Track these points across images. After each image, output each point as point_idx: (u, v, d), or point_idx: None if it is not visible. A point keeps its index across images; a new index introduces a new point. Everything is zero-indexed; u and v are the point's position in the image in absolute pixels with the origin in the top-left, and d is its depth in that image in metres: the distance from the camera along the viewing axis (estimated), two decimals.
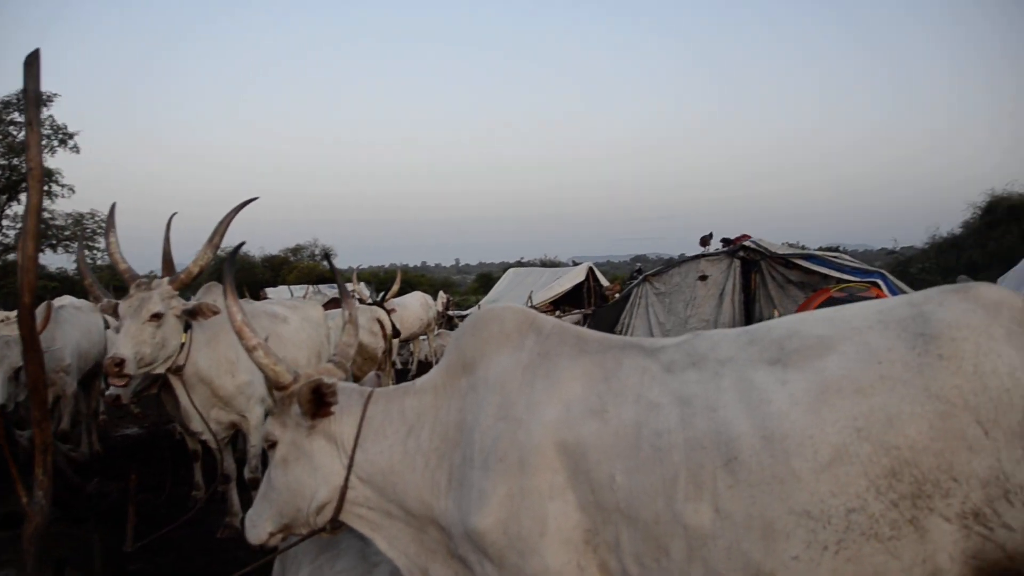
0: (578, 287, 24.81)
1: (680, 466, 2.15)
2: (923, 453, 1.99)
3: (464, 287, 46.86)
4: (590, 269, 25.69)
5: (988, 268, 24.05)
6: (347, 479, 2.66)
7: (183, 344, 5.34)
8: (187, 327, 5.36)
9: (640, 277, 14.12)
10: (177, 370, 5.42)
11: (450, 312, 22.59)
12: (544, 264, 41.11)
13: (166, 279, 5.24)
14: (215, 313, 5.23)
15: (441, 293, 22.83)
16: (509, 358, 2.54)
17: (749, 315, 12.59)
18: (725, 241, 13.18)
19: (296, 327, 6.59)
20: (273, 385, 2.80)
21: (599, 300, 23.22)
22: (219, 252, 5.46)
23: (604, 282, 25.68)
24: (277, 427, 2.77)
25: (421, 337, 16.00)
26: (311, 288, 21.39)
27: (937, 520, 1.98)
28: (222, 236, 5.21)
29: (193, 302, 5.37)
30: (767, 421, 2.09)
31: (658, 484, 2.16)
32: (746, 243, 12.64)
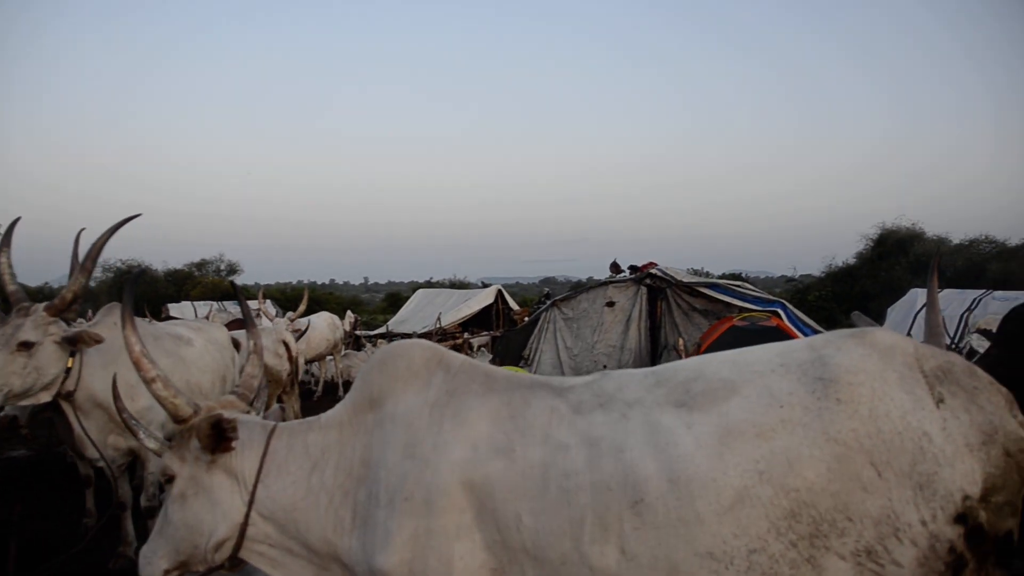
0: (487, 309, 24.86)
1: (587, 508, 2.17)
2: (821, 494, 2.06)
3: (373, 306, 46.33)
4: (499, 291, 25.77)
5: (879, 297, 25.11)
6: (247, 516, 2.60)
7: (69, 369, 5.12)
8: (75, 351, 5.13)
9: (548, 302, 14.24)
10: (67, 395, 5.19)
11: (358, 332, 22.33)
12: (453, 285, 41.04)
13: (43, 305, 5.01)
14: (98, 341, 5.02)
15: (349, 313, 22.55)
16: (417, 395, 2.53)
17: (655, 342, 12.82)
18: (632, 268, 13.41)
19: (201, 350, 6.39)
20: (172, 418, 2.72)
21: (508, 323, 23.32)
22: (109, 272, 5.26)
23: (513, 305, 25.81)
24: (175, 461, 2.69)
25: (328, 358, 15.75)
26: (215, 305, 20.83)
27: (833, 558, 2.06)
28: (95, 260, 5.03)
29: (75, 329, 5.14)
30: (673, 464, 2.14)
31: (565, 525, 2.18)
32: (653, 271, 12.89)
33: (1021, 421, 2.23)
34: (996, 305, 12.36)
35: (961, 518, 2.08)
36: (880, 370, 2.18)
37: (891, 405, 2.12)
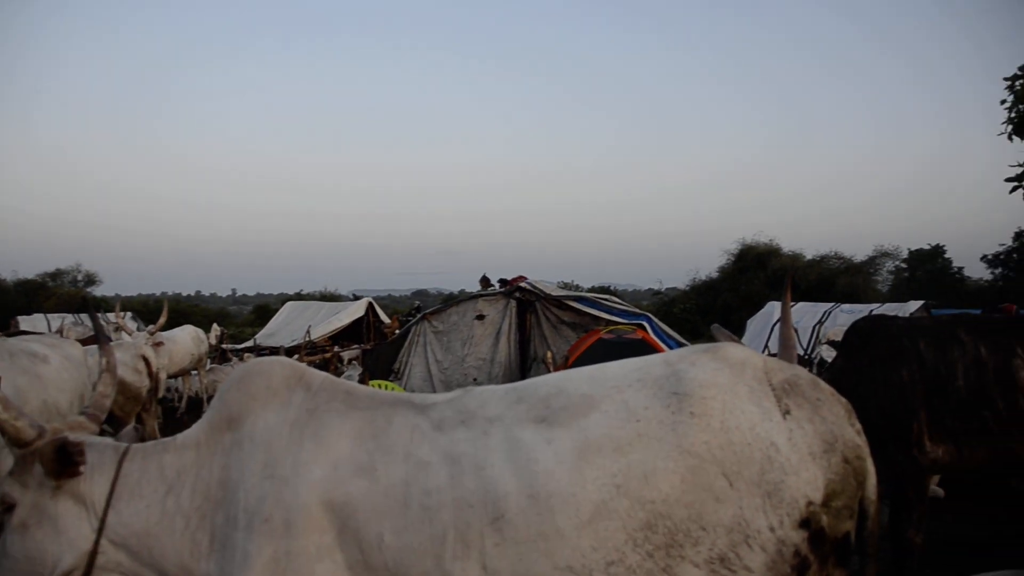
0: (357, 322, 24.53)
1: (449, 525, 2.18)
2: (676, 505, 2.14)
3: (240, 319, 44.94)
4: (370, 304, 25.50)
5: (740, 310, 26.25)
6: (97, 543, 2.47)
7: None
8: None
9: (419, 315, 14.20)
10: None
11: (224, 346, 21.58)
12: (324, 297, 40.28)
13: None
14: None
15: (215, 326, 21.78)
16: (276, 414, 2.48)
17: (524, 354, 12.97)
18: (502, 282, 13.54)
19: (58, 367, 6.05)
20: (12, 443, 2.55)
21: (378, 337, 23.07)
22: None
23: (384, 318, 25.57)
24: (16, 488, 2.52)
25: (192, 372, 15.14)
26: (69, 318, 19.68)
27: (688, 567, 2.14)
28: None
29: None
30: (533, 479, 2.17)
31: (426, 543, 2.18)
32: (522, 284, 13.05)
33: (858, 429, 2.39)
34: (844, 317, 13.11)
35: (805, 523, 2.20)
36: (731, 384, 2.29)
37: (741, 418, 2.22)
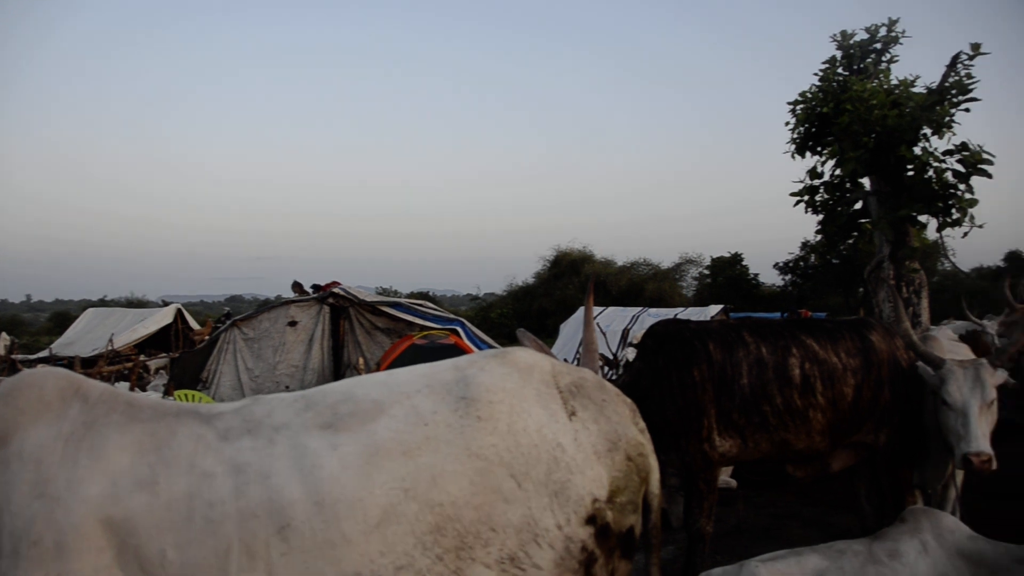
0: (165, 330, 23.34)
1: (233, 537, 2.11)
2: (465, 508, 2.17)
3: (36, 327, 41.62)
4: (179, 310, 24.35)
5: (555, 314, 26.94)
6: None
7: None
8: None
9: (228, 322, 13.69)
10: None
11: (15, 357, 19.95)
12: (130, 303, 38.02)
13: None
14: None
15: (4, 335, 20.12)
16: (48, 429, 2.31)
17: (338, 361, 12.78)
18: (315, 287, 13.29)
19: None
20: None
21: (187, 345, 22.05)
22: None
23: (194, 324, 24.47)
24: None
25: None
26: None
27: (479, 568, 2.17)
28: None
29: None
30: (319, 486, 2.14)
31: (211, 557, 2.10)
32: (336, 290, 12.86)
33: (641, 428, 2.52)
34: (650, 321, 13.70)
35: (591, 519, 2.30)
36: (519, 388, 2.35)
37: (528, 420, 2.29)
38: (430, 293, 43.63)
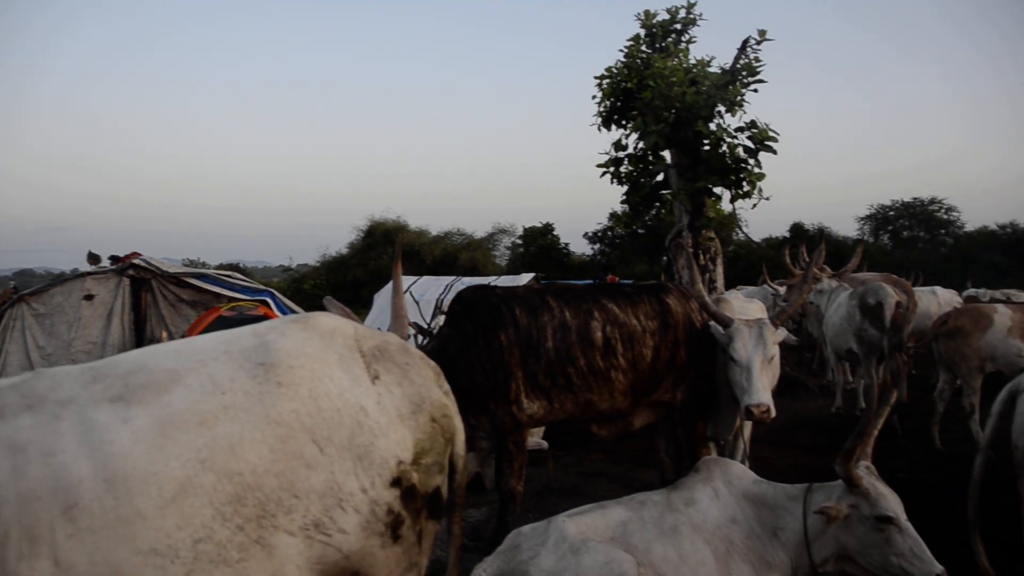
0: None
1: (12, 522, 1.94)
2: (265, 476, 2.11)
3: None
4: None
5: (370, 284, 26.74)
6: None
7: None
8: None
9: (15, 296, 12.62)
10: None
11: None
12: None
13: None
14: None
15: None
16: None
17: (140, 335, 12.06)
18: (114, 259, 12.47)
19: None
20: None
21: None
22: None
23: None
24: None
25: None
26: None
27: (282, 536, 2.12)
28: None
29: None
30: (109, 462, 2.01)
31: None
32: (136, 261, 12.12)
33: (446, 390, 2.54)
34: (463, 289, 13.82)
35: (396, 481, 2.30)
36: (320, 352, 2.31)
37: (330, 384, 2.25)
38: (240, 265, 42.11)
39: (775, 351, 4.55)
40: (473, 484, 6.52)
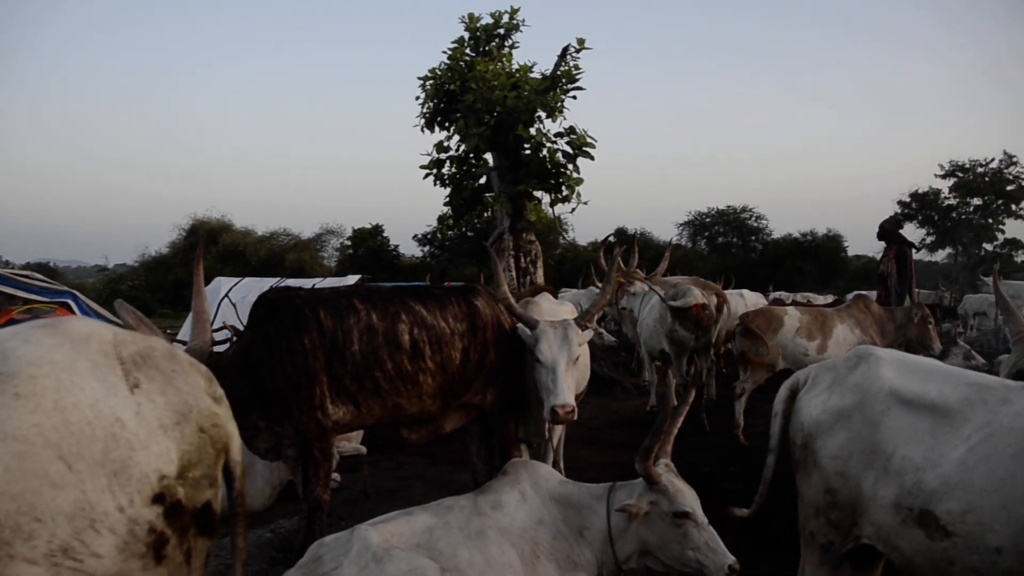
0: None
1: None
2: (1, 499, 1.89)
3: None
4: None
5: (191, 285, 25.52)
6: None
7: None
8: None
9: None
10: None
11: None
12: None
13: None
14: None
15: None
16: None
17: None
18: None
19: None
20: None
21: None
22: None
23: None
24: None
25: None
26: None
27: (21, 566, 1.90)
28: None
29: None
30: None
31: None
32: None
33: (218, 397, 2.38)
34: None
35: (159, 498, 2.12)
36: (70, 360, 2.10)
37: (80, 395, 2.05)
38: (51, 264, 39.34)
39: (580, 352, 4.61)
40: (287, 492, 6.30)
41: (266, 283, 14.64)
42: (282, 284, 14.49)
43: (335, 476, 6.78)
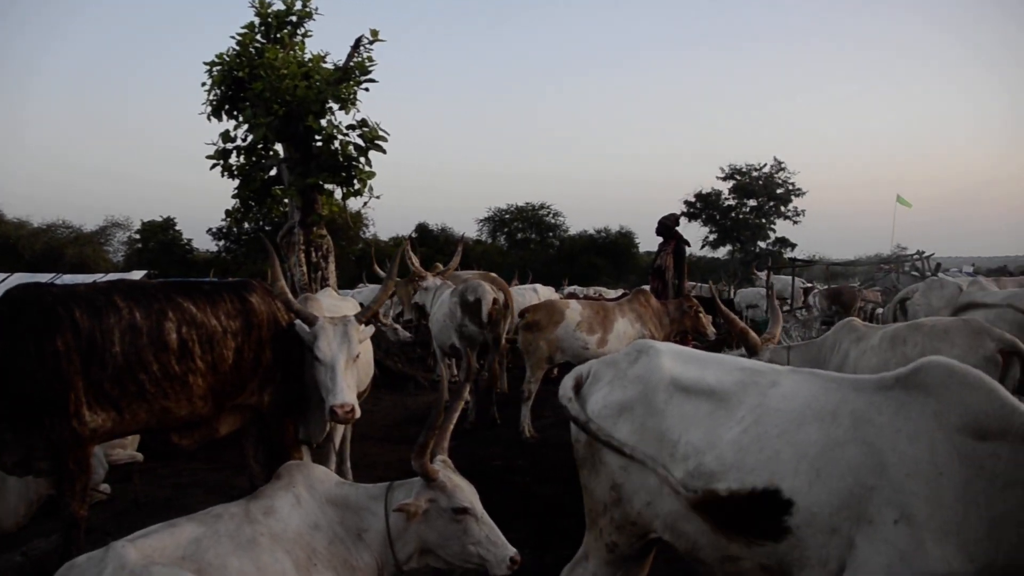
0: None
1: None
2: None
3: None
4: None
5: None
6: None
7: None
8: None
9: None
10: None
11: None
12: None
13: None
14: None
15: None
16: None
17: None
18: None
19: None
20: None
21: None
22: None
23: None
24: None
25: None
26: None
27: None
28: None
29: None
30: None
31: None
32: None
33: None
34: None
35: None
36: None
37: None
38: None
39: (361, 349, 4.52)
40: (46, 508, 5.77)
41: (39, 280, 13.58)
42: (59, 279, 13.49)
43: (104, 487, 6.31)
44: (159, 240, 33.97)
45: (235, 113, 10.40)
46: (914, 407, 2.71)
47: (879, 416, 2.76)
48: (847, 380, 3.02)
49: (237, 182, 10.53)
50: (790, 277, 22.49)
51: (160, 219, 34.89)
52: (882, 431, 2.71)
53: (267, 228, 30.61)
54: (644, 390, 3.30)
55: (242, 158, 10.52)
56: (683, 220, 39.22)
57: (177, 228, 35.01)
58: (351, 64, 10.26)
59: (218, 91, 10.32)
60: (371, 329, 4.66)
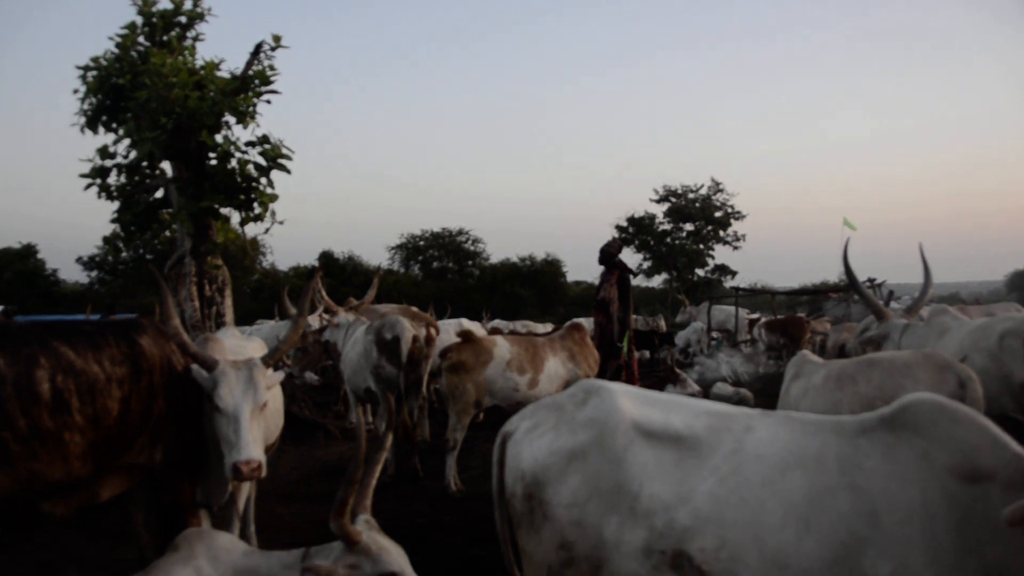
0: None
1: None
2: None
3: None
4: None
5: None
6: None
7: None
8: None
9: None
10: None
11: None
12: None
13: None
14: None
15: None
16: None
17: None
18: None
19: None
20: None
21: None
22: None
23: None
24: None
25: None
26: None
27: None
28: None
29: None
30: None
31: None
32: None
33: None
34: None
35: None
36: None
37: None
38: None
39: (266, 396, 4.35)
40: None
41: None
42: None
43: None
44: (16, 270, 32.83)
45: (115, 126, 10.07)
46: (902, 448, 2.71)
47: (867, 460, 2.75)
48: (827, 422, 3.00)
49: (117, 204, 10.16)
50: (733, 307, 22.88)
51: (18, 245, 33.79)
52: (871, 476, 2.70)
53: (148, 257, 29.90)
54: (600, 434, 3.19)
55: (123, 177, 10.17)
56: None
57: (39, 256, 33.95)
58: (250, 72, 10.07)
59: (94, 99, 10.00)
60: (280, 374, 4.50)
